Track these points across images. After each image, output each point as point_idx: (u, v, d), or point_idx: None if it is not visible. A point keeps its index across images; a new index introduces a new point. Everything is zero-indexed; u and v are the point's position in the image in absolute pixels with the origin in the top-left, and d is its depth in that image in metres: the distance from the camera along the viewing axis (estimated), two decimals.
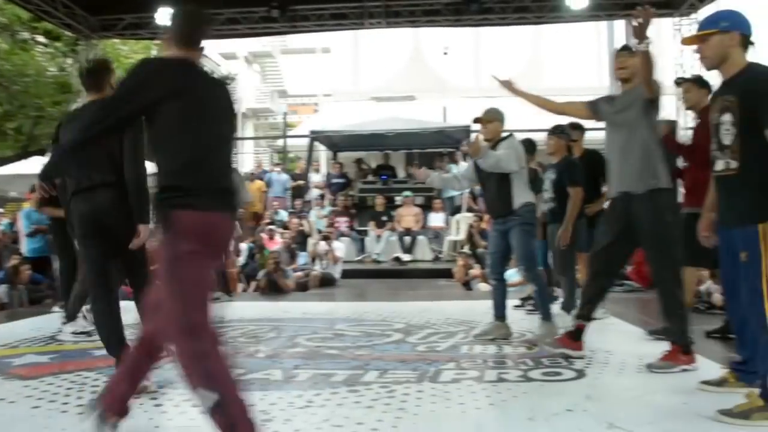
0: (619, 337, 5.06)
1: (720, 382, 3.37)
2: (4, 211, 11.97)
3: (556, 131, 5.87)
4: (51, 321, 6.28)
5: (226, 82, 2.83)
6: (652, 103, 4.01)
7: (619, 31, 13.69)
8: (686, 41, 3.49)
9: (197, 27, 2.74)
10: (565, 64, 20.19)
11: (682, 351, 3.93)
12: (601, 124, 4.38)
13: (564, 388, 3.61)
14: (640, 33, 3.72)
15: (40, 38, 14.31)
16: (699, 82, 5.13)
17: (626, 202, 4.06)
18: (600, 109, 4.33)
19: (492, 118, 5.15)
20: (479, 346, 4.78)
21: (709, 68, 3.21)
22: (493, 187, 4.98)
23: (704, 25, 3.24)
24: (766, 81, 3.01)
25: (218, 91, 2.67)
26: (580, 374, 3.88)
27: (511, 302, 6.39)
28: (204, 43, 2.75)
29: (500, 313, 5.13)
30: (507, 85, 4.69)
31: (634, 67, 4.10)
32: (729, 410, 2.93)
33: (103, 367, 4.20)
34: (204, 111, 2.51)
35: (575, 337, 4.31)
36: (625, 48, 4.33)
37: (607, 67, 15.68)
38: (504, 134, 5.08)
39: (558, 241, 5.52)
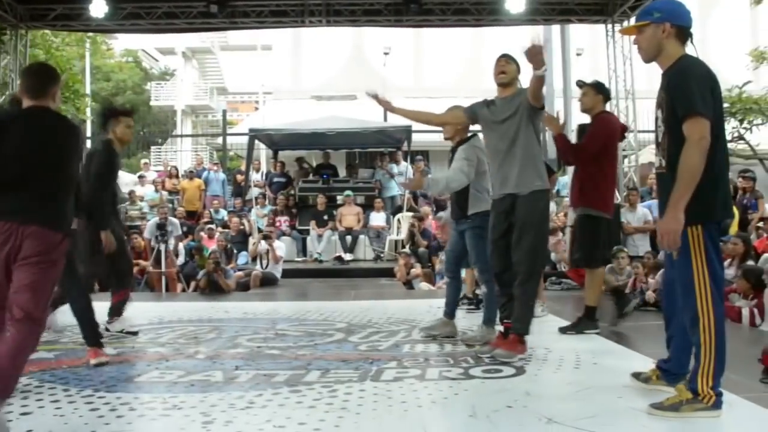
0: (557, 335, 5.19)
1: (645, 379, 3.49)
2: None
3: None
4: None
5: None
6: (538, 110, 4.31)
7: (555, 35, 14.00)
8: (624, 31, 3.57)
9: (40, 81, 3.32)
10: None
11: (520, 340, 4.27)
12: None
13: (504, 384, 3.68)
14: (535, 61, 3.94)
15: None
16: (597, 87, 5.35)
17: (510, 203, 4.32)
18: (478, 113, 4.56)
19: None
20: (421, 345, 4.83)
21: (645, 60, 3.18)
22: (454, 192, 5.06)
23: (639, 16, 3.24)
24: (682, 72, 2.96)
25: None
26: (520, 371, 3.96)
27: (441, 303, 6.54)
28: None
29: (450, 311, 5.19)
30: (382, 102, 4.78)
31: (513, 73, 4.44)
32: (660, 403, 3.04)
33: (34, 371, 4.07)
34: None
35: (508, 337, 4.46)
36: (505, 55, 4.53)
37: (560, 71, 16.05)
38: (469, 134, 5.07)
39: None
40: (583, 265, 5.31)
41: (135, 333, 5.30)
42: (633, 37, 3.23)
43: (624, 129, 5.79)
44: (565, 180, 12.77)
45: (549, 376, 3.89)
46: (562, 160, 6.52)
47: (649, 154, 12.63)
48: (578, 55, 17.70)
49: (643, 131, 11.71)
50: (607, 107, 5.51)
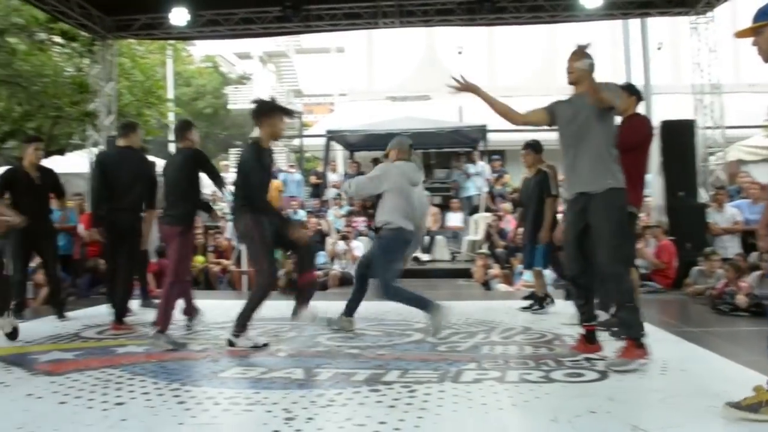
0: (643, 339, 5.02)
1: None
2: None
3: (529, 146, 6.37)
4: (75, 318, 6.37)
5: None
6: (608, 108, 4.14)
7: (634, 29, 13.58)
8: (739, 34, 3.46)
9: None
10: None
11: (636, 344, 3.98)
12: None
13: (587, 389, 3.60)
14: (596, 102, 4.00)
15: (57, 39, 14.42)
16: (629, 89, 5.23)
17: (584, 202, 4.17)
18: (555, 112, 4.41)
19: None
20: (500, 347, 4.79)
21: (766, 61, 3.07)
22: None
23: (757, 16, 3.08)
24: None
25: None
26: (603, 376, 3.87)
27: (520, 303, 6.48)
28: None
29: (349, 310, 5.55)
30: (470, 86, 4.66)
31: (579, 70, 4.23)
32: (737, 403, 2.92)
33: (126, 364, 4.28)
34: None
35: (590, 340, 4.40)
36: (573, 52, 4.33)
37: (623, 66, 15.58)
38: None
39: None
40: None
41: None
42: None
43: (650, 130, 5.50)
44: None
45: (633, 382, 3.76)
46: None
47: (737, 152, 12.10)
48: (658, 49, 17.10)
49: (731, 127, 11.22)
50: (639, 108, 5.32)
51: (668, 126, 9.20)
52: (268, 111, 5.00)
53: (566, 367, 4.10)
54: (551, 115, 4.45)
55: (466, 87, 4.60)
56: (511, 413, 3.21)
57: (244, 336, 4.83)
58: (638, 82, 13.05)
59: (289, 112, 5.28)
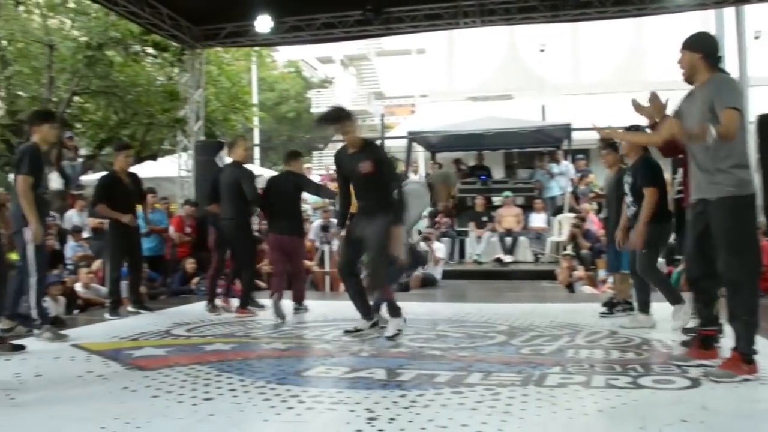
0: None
1: None
2: None
3: (609, 145, 5.99)
4: (166, 316, 6.64)
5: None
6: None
7: (729, 19, 12.92)
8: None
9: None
10: (669, 57, 19.22)
11: (743, 360, 3.72)
12: None
13: (678, 397, 3.45)
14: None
15: (150, 50, 15.08)
16: None
17: (702, 208, 3.89)
18: (682, 112, 4.06)
19: None
20: (585, 351, 4.66)
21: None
22: None
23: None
24: None
25: None
26: (695, 383, 3.69)
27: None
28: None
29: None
30: (613, 133, 4.64)
31: (686, 62, 3.94)
32: None
33: (213, 361, 4.42)
34: None
35: (706, 346, 4.15)
36: (683, 42, 3.98)
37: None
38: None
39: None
40: None
41: None
42: None
43: None
44: None
45: (729, 391, 3.56)
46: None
47: None
48: (756, 38, 16.22)
49: None
50: None
51: (765, 120, 8.74)
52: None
53: (655, 373, 3.95)
54: (679, 117, 4.06)
55: (608, 133, 4.78)
56: (597, 419, 3.12)
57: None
58: (733, 74, 12.47)
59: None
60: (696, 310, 4.28)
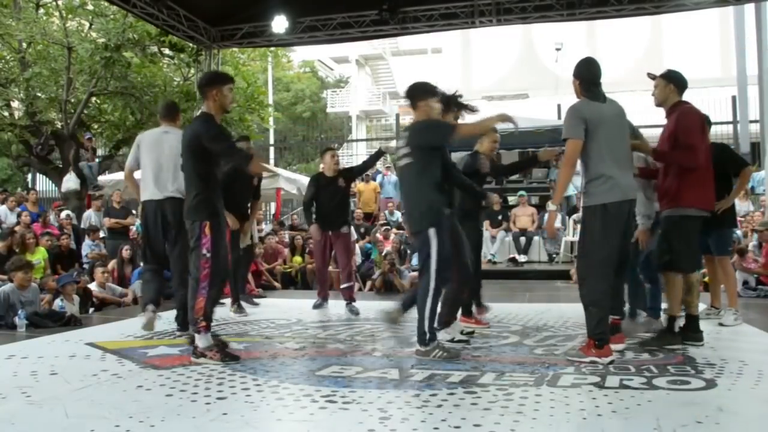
0: (754, 346, 4.75)
1: None
2: (137, 213, 12.78)
3: None
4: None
5: None
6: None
7: (749, 16, 12.77)
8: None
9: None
10: (687, 54, 19.15)
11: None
12: None
13: (693, 398, 3.42)
14: None
15: (166, 51, 15.18)
16: (666, 76, 4.86)
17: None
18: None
19: None
20: None
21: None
22: None
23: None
24: None
25: None
26: (711, 384, 3.66)
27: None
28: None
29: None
30: None
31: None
32: None
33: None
34: None
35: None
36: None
37: (734, 57, 14.74)
38: None
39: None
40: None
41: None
42: None
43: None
44: (761, 176, 11.68)
45: (745, 392, 3.54)
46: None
47: None
48: None
49: None
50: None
51: None
52: (445, 105, 4.99)
53: (670, 373, 3.92)
54: None
55: None
56: (611, 420, 3.09)
57: (445, 330, 5.00)
58: (752, 73, 12.32)
59: (468, 107, 5.32)
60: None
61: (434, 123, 4.55)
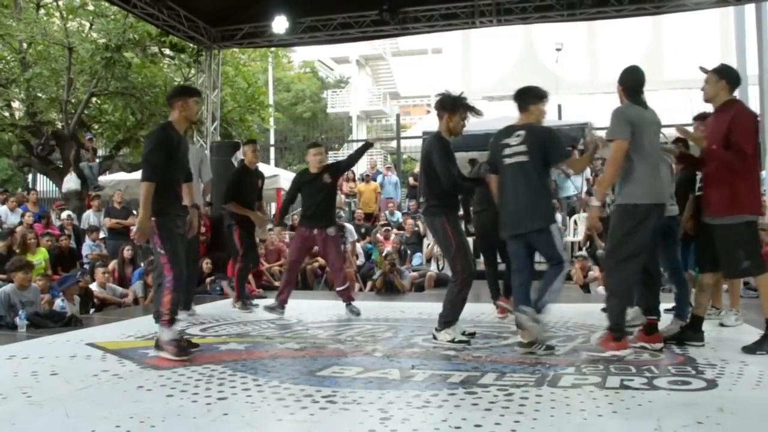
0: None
1: None
2: (137, 213, 12.80)
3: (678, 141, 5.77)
4: (181, 316, 6.64)
5: None
6: None
7: (750, 15, 12.77)
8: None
9: None
10: (687, 54, 19.16)
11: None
12: None
13: (693, 398, 3.42)
14: None
15: (167, 51, 15.19)
16: (719, 72, 4.75)
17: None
18: None
19: None
20: (600, 351, 4.62)
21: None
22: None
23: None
24: None
25: None
26: (711, 384, 3.67)
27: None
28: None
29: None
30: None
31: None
32: None
33: (227, 360, 4.44)
34: None
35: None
36: None
37: (735, 57, 14.74)
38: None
39: None
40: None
41: None
42: None
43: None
44: (762, 176, 11.66)
45: (746, 393, 3.54)
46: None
47: None
48: None
49: None
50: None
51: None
52: (451, 106, 5.09)
53: (671, 374, 3.92)
54: None
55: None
56: (611, 420, 3.10)
57: (446, 330, 4.96)
58: (752, 73, 12.32)
59: (473, 110, 5.23)
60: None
61: (559, 138, 4.99)
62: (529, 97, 4.83)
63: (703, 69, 4.81)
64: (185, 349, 4.57)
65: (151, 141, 4.71)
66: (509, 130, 4.82)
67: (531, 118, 4.79)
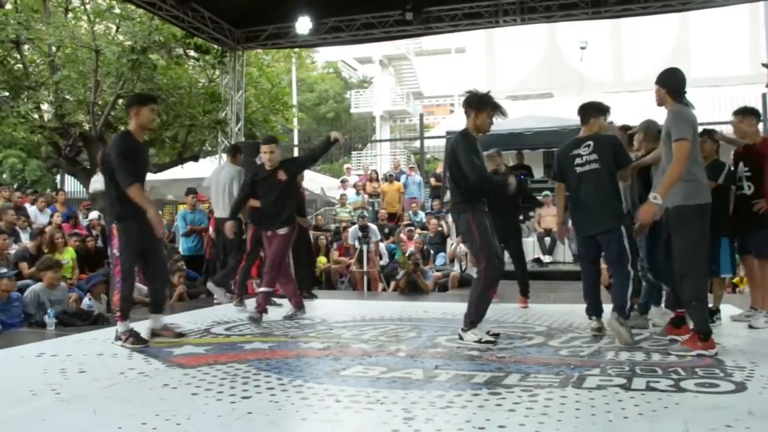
0: None
1: None
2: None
3: (704, 134, 5.74)
4: (205, 315, 6.73)
5: None
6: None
7: None
8: None
9: None
10: (715, 52, 18.83)
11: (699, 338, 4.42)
12: None
13: (722, 401, 3.36)
14: None
15: (192, 53, 15.31)
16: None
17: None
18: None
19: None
20: (626, 353, 4.58)
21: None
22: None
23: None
24: None
25: None
26: (740, 387, 3.60)
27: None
28: None
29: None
30: None
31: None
32: None
33: (251, 359, 4.47)
34: None
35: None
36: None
37: (765, 53, 14.49)
38: None
39: None
40: None
41: None
42: None
43: None
44: None
45: None
46: None
47: None
48: None
49: None
50: None
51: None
52: (478, 104, 5.14)
53: (698, 376, 3.86)
54: None
55: None
56: (637, 423, 3.06)
57: (472, 331, 4.96)
58: None
59: (499, 109, 5.27)
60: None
61: (625, 149, 5.27)
62: (591, 111, 5.21)
63: (766, 65, 4.90)
64: (141, 338, 5.08)
65: (113, 152, 5.06)
66: (578, 143, 5.19)
67: (593, 129, 5.17)
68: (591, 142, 5.08)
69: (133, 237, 5.06)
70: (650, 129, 5.57)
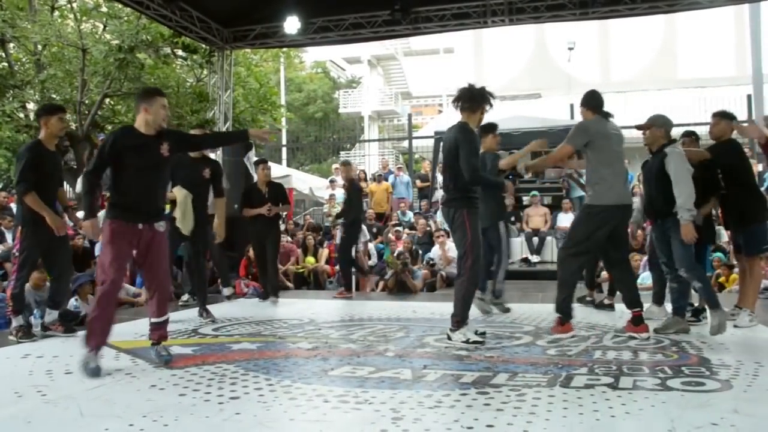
0: None
1: None
2: None
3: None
4: (193, 315, 6.69)
5: None
6: None
7: (765, 13, 12.64)
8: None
9: None
10: (701, 54, 18.97)
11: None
12: None
13: (708, 399, 3.39)
14: None
15: (179, 52, 15.25)
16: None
17: None
18: None
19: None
20: (613, 352, 4.61)
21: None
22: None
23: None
24: None
25: None
26: (726, 385, 3.64)
27: None
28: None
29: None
30: None
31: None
32: None
33: (240, 360, 4.45)
34: None
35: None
36: None
37: (750, 55, 14.61)
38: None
39: None
40: None
41: None
42: None
43: None
44: None
45: (761, 394, 3.50)
46: None
47: None
48: None
49: None
50: None
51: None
52: (480, 98, 5.16)
53: (684, 375, 3.89)
54: None
55: None
56: (624, 421, 3.08)
57: (460, 331, 4.94)
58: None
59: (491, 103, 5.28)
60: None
61: None
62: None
63: None
64: (29, 333, 5.42)
65: (19, 161, 5.27)
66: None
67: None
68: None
69: (34, 243, 5.37)
70: (658, 123, 5.45)
